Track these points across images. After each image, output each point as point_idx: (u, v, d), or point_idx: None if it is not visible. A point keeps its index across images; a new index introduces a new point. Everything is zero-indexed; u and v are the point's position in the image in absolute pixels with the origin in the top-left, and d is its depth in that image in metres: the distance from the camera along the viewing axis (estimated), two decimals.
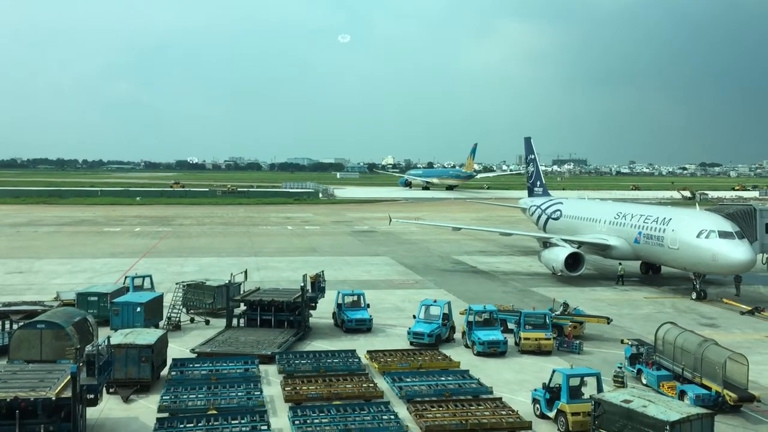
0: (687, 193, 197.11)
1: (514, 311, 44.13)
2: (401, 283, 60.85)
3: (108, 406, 30.01)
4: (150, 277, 51.66)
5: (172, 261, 71.63)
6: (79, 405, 25.01)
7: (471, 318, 40.31)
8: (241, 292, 46.72)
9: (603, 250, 64.58)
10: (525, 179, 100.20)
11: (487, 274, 66.72)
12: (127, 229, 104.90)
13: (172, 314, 44.45)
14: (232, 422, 27.19)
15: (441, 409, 29.19)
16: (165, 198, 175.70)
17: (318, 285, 45.15)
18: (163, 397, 30.00)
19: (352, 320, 43.98)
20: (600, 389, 28.05)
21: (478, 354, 38.72)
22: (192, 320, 46.37)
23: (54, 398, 24.16)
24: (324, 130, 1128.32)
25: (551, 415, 28.89)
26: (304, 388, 31.84)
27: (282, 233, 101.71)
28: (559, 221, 77.22)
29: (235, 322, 43.74)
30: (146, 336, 33.94)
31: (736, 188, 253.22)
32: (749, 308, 50.73)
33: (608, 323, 43.00)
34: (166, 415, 28.40)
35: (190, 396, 30.44)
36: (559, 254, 61.20)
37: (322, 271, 47.61)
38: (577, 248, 63.21)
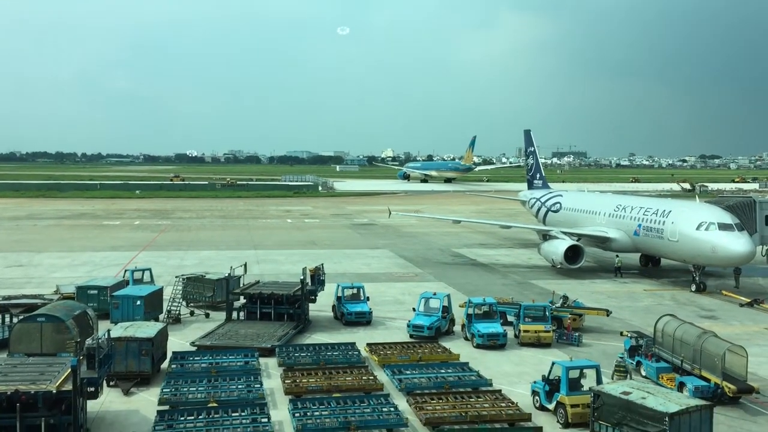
0: (687, 186, 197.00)
1: (513, 304, 44.16)
2: (401, 276, 60.90)
3: (108, 399, 30.09)
4: (150, 270, 51.70)
5: (171, 254, 71.67)
6: (80, 398, 25.05)
7: (470, 310, 40.36)
8: (241, 285, 46.78)
9: (603, 242, 64.62)
10: (525, 172, 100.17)
11: (486, 267, 66.77)
12: (126, 222, 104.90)
13: (172, 307, 44.50)
14: (233, 415, 27.26)
15: (441, 401, 29.26)
16: (164, 191, 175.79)
17: (318, 278, 45.18)
18: (164, 390, 30.07)
19: (351, 313, 44.03)
20: (599, 381, 28.10)
21: (478, 346, 38.78)
22: (192, 313, 46.44)
23: (54, 391, 24.19)
24: (323, 122, 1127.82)
25: (551, 407, 28.96)
26: (304, 380, 31.91)
27: (281, 226, 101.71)
28: (558, 214, 77.24)
29: (234, 315, 43.80)
30: (146, 329, 33.99)
31: (736, 180, 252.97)
32: (748, 300, 50.81)
33: (608, 315, 43.05)
34: (166, 407, 28.47)
35: (191, 389, 30.50)
36: (558, 247, 61.24)
37: (322, 264, 47.65)
38: (577, 241, 63.27)
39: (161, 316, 43.45)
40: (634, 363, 34.66)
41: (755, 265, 58.67)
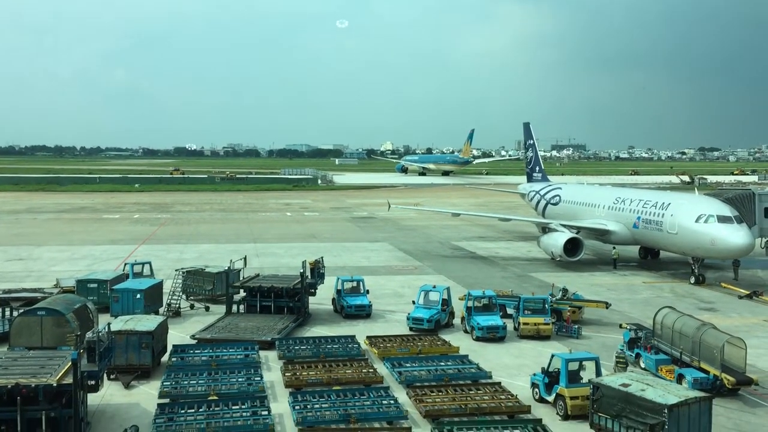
0: (686, 178, 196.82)
1: (513, 296, 44.23)
2: (400, 269, 60.95)
3: (109, 393, 30.18)
4: (149, 263, 51.72)
5: (171, 248, 71.69)
6: (80, 391, 25.07)
7: (470, 303, 40.41)
8: (241, 278, 46.83)
9: (602, 235, 64.64)
10: (524, 165, 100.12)
11: (486, 260, 66.83)
12: (126, 216, 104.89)
13: (172, 301, 44.54)
14: (233, 408, 27.33)
15: (440, 393, 29.34)
16: (164, 185, 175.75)
17: (317, 271, 45.21)
18: (164, 383, 30.14)
19: (351, 306, 44.09)
20: (598, 373, 28.17)
21: (477, 339, 38.85)
22: (192, 307, 46.49)
23: (55, 385, 24.19)
24: (323, 116, 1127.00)
25: (550, 399, 29.04)
26: (304, 373, 31.98)
27: (281, 220, 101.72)
28: (558, 206, 77.26)
29: (234, 308, 43.85)
30: (146, 322, 34.05)
31: (735, 173, 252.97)
32: (747, 292, 50.87)
33: (607, 308, 43.11)
34: (167, 400, 28.54)
35: (191, 382, 30.57)
36: (558, 239, 61.27)
37: (322, 258, 47.66)
38: (576, 233, 63.27)
39: (161, 310, 43.49)
40: (633, 355, 34.73)
41: (754, 257, 58.73)
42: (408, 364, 33.31)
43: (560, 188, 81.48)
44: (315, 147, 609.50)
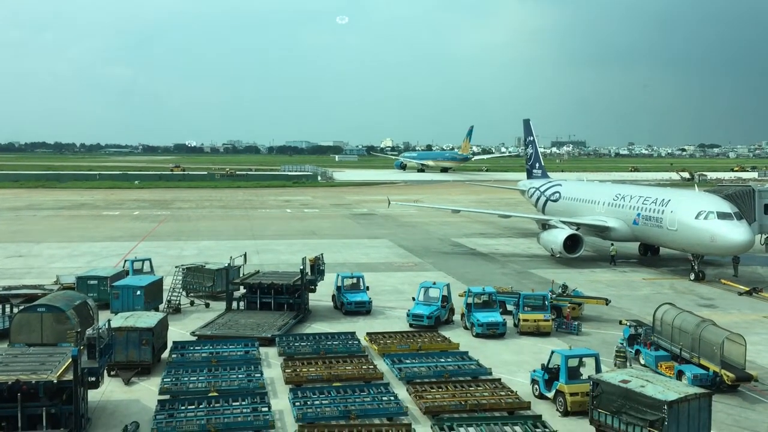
0: (686, 175, 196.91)
1: (512, 293, 44.26)
2: (400, 266, 60.97)
3: (109, 389, 30.19)
4: (149, 260, 51.73)
5: (171, 244, 71.70)
6: (81, 388, 25.13)
7: (470, 300, 40.44)
8: (241, 275, 46.84)
9: (602, 231, 64.66)
10: (524, 161, 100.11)
11: (486, 256, 66.84)
12: (126, 212, 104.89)
13: (172, 297, 44.57)
14: (233, 404, 27.38)
15: (440, 390, 29.39)
16: (163, 181, 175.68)
17: (317, 268, 45.17)
18: (164, 380, 30.17)
19: (351, 303, 44.11)
20: (598, 370, 28.18)
21: (477, 335, 38.89)
22: (192, 303, 46.52)
23: (55, 381, 24.26)
24: (322, 112, 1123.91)
25: (550, 395, 29.07)
26: (304, 370, 32.00)
27: (281, 216, 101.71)
28: (557, 203, 77.28)
29: (234, 305, 43.87)
30: (146, 319, 34.07)
31: (735, 169, 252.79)
32: (747, 289, 50.91)
33: (607, 304, 43.13)
34: (167, 397, 28.60)
35: (191, 378, 30.60)
36: (557, 236, 61.29)
37: (322, 254, 47.61)
38: (576, 230, 63.32)
39: (161, 306, 43.52)
40: (633, 352, 34.76)
41: (754, 253, 58.79)
42: (408, 361, 33.37)
43: (560, 185, 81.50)
44: (315, 144, 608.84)
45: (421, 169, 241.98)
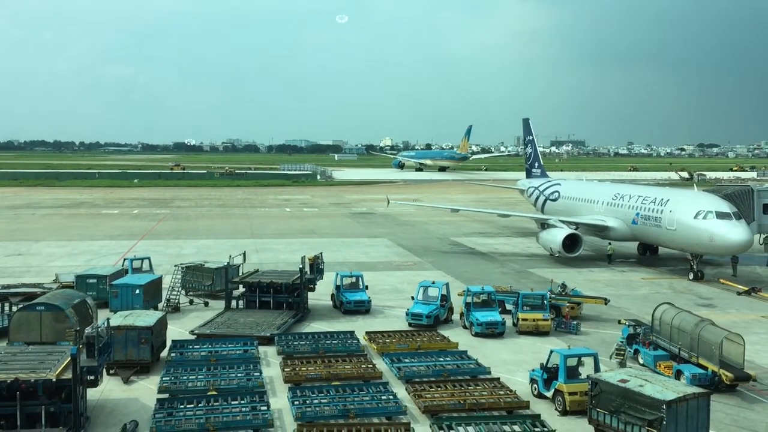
0: (685, 174, 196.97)
1: (512, 292, 44.28)
2: (400, 265, 60.98)
3: (108, 388, 30.20)
4: (149, 259, 51.71)
5: (170, 243, 71.68)
6: (80, 386, 25.12)
7: (469, 299, 40.47)
8: (240, 274, 46.84)
9: (601, 231, 64.68)
10: (523, 161, 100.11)
11: (485, 256, 66.86)
12: (125, 211, 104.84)
13: (171, 296, 44.59)
14: (232, 403, 27.40)
15: (439, 389, 29.42)
16: (163, 180, 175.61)
17: (316, 267, 45.18)
18: (163, 378, 30.18)
19: (350, 302, 44.12)
20: (597, 369, 28.21)
21: (476, 335, 38.91)
22: (191, 302, 46.53)
23: (54, 380, 24.26)
24: (322, 111, 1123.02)
25: (549, 394, 29.10)
26: (303, 369, 32.02)
27: (280, 215, 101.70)
28: (557, 202, 77.31)
29: (234, 303, 43.88)
30: (145, 318, 34.08)
31: (734, 169, 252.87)
32: (746, 288, 50.94)
33: (606, 304, 43.16)
34: (166, 396, 28.62)
35: (190, 377, 30.62)
36: (556, 235, 61.32)
37: (321, 253, 47.64)
38: (575, 229, 63.35)
39: (160, 305, 43.51)
40: (632, 351, 34.78)
41: (752, 253, 58.82)
42: (407, 360, 33.40)
43: (559, 184, 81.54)
44: (314, 142, 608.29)
45: (419, 168, 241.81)
